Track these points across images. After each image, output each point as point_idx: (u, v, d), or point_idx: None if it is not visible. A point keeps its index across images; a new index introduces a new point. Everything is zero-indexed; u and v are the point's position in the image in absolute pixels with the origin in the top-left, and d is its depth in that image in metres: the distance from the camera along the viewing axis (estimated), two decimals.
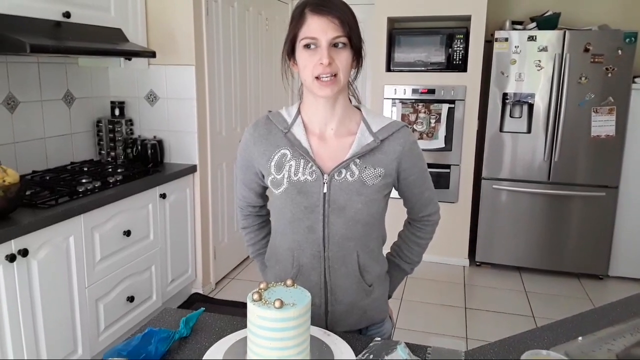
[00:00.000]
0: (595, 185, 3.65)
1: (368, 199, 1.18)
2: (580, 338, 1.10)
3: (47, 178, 2.55)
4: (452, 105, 3.80)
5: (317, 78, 1.13)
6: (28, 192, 2.22)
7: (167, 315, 1.27)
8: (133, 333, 1.14)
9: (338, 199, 1.17)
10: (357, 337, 1.19)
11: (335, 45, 1.12)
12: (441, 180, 3.87)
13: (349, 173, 1.17)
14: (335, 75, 1.12)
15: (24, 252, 1.96)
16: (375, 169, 1.18)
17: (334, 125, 1.22)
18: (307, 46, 1.13)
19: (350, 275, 1.23)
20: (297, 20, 1.14)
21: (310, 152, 1.19)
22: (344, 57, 1.13)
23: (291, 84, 1.28)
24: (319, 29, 1.10)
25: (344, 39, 1.12)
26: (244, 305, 0.94)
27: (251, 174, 1.29)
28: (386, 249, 1.37)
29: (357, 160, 1.18)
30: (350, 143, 1.20)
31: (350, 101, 1.27)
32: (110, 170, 2.80)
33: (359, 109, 1.26)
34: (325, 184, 1.17)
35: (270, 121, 1.25)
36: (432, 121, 3.85)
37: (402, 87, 3.88)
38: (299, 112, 1.24)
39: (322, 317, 1.25)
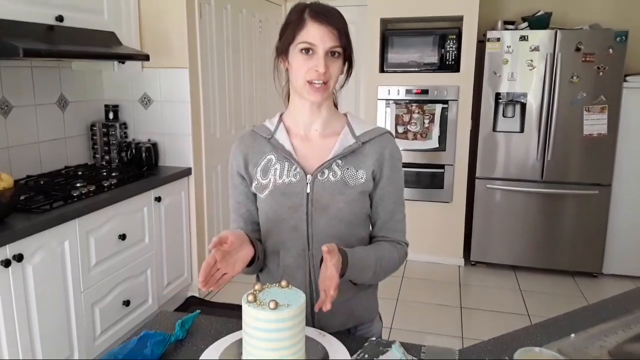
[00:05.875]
0: (588, 183, 3.67)
1: (350, 198, 1.21)
2: (572, 335, 1.11)
3: (42, 182, 2.54)
4: (446, 106, 3.82)
5: (308, 82, 1.16)
6: (22, 197, 2.22)
7: (162, 318, 1.28)
8: (129, 337, 1.15)
9: (321, 198, 1.20)
10: (351, 337, 1.20)
11: (332, 54, 1.16)
12: (435, 180, 3.88)
13: (331, 173, 1.21)
14: (326, 83, 1.17)
15: (19, 257, 1.95)
16: (357, 170, 1.22)
17: (318, 127, 1.26)
18: (304, 50, 1.15)
19: None
20: (296, 23, 1.17)
21: (293, 154, 1.23)
22: (337, 66, 1.18)
23: (283, 84, 1.30)
24: (318, 36, 1.14)
25: (340, 49, 1.16)
26: (239, 308, 0.95)
27: (245, 184, 1.29)
28: None
29: (339, 161, 1.22)
30: (333, 144, 1.24)
31: (337, 107, 1.31)
32: (104, 174, 2.79)
33: (346, 115, 1.30)
34: (309, 184, 1.20)
35: (255, 132, 1.30)
36: (426, 121, 3.87)
37: (396, 87, 3.89)
38: (280, 119, 1.29)
39: (308, 317, 1.25)
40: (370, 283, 1.29)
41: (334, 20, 1.16)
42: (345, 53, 1.18)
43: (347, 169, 1.21)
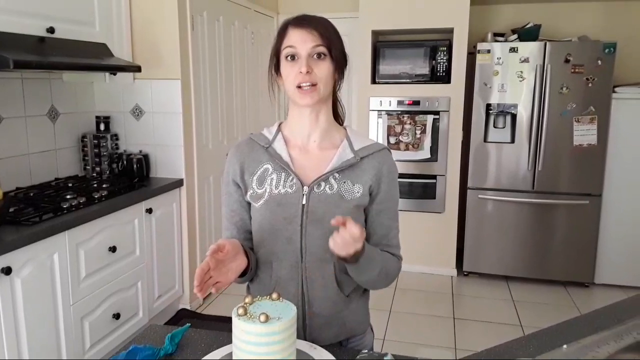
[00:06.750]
0: (578, 193, 3.69)
1: (345, 212, 1.19)
2: (565, 346, 1.11)
3: (31, 194, 2.52)
4: (437, 116, 3.84)
5: (298, 87, 1.17)
6: (12, 209, 2.20)
7: (152, 332, 1.26)
8: (118, 351, 1.13)
9: (316, 210, 1.19)
10: (343, 350, 1.19)
11: (317, 56, 1.17)
12: (427, 190, 3.89)
13: (328, 186, 1.20)
14: (315, 85, 1.17)
15: (7, 270, 1.93)
16: (354, 185, 1.21)
17: (316, 137, 1.25)
18: (288, 57, 1.18)
19: (327, 286, 1.23)
20: (281, 35, 1.21)
21: (290, 165, 1.22)
22: (323, 67, 1.17)
23: (277, 97, 1.31)
24: (299, 39, 1.16)
25: (322, 49, 1.17)
26: (231, 320, 0.94)
27: (240, 193, 1.29)
28: None
29: (337, 175, 1.21)
30: (332, 156, 1.23)
31: (341, 122, 1.32)
32: (95, 185, 2.77)
33: (345, 129, 1.30)
34: (305, 196, 1.19)
35: (253, 140, 1.29)
36: (418, 132, 3.88)
37: (388, 98, 3.91)
38: (279, 129, 1.29)
39: (300, 330, 1.24)
40: (372, 284, 1.24)
41: (315, 23, 1.18)
42: (332, 55, 1.18)
43: (344, 182, 1.21)
